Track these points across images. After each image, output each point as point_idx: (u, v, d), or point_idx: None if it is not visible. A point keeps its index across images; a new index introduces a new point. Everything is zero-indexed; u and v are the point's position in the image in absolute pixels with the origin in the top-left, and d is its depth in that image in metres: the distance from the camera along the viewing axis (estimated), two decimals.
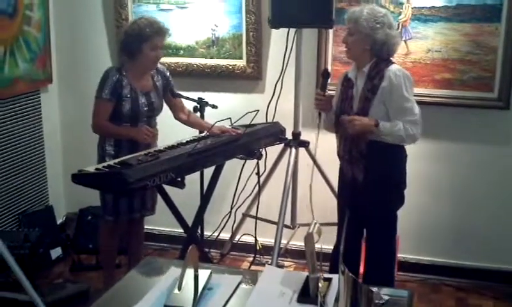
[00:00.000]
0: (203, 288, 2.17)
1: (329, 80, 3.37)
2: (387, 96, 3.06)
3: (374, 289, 2.11)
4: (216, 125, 3.46)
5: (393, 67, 3.10)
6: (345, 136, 3.21)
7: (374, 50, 3.10)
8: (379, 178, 3.15)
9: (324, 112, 3.37)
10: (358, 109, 3.13)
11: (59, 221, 4.53)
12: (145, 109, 3.46)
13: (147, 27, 3.38)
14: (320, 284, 1.88)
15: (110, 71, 3.44)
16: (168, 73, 3.67)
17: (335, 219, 3.44)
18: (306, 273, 2.18)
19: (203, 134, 3.63)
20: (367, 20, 3.07)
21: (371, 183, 3.16)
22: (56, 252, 4.25)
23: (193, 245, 2.22)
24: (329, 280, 2.19)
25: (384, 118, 3.07)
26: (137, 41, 3.38)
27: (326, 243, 3.17)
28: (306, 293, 2.12)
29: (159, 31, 3.43)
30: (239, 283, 2.26)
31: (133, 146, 3.43)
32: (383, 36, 3.07)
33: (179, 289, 2.12)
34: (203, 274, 2.24)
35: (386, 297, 2.12)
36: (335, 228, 3.43)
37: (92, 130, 3.49)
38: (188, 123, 3.75)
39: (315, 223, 2.08)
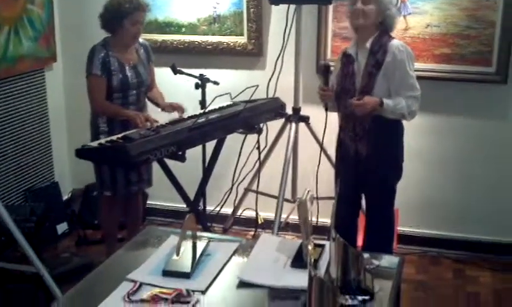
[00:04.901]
0: (201, 254, 2.25)
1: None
2: (391, 71, 3.10)
3: (366, 255, 2.18)
4: (167, 101, 3.66)
5: (395, 42, 3.14)
6: (347, 113, 3.25)
7: (384, 25, 3.15)
8: (382, 152, 3.21)
9: (329, 102, 3.39)
10: (361, 86, 3.16)
11: (65, 197, 4.61)
12: (134, 81, 3.53)
13: (127, 2, 3.42)
14: (310, 247, 1.95)
15: (95, 48, 3.49)
16: (150, 48, 3.72)
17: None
18: (300, 241, 2.25)
19: (204, 110, 3.68)
20: None
21: (374, 158, 3.21)
22: (62, 228, 4.34)
23: (191, 213, 2.28)
24: (322, 247, 2.26)
25: (386, 93, 3.11)
26: (118, 17, 3.43)
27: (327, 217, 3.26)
28: (300, 259, 2.19)
29: (139, 6, 3.46)
30: (236, 250, 2.34)
31: (125, 123, 3.47)
32: (394, 13, 3.17)
33: (177, 255, 2.19)
34: (202, 241, 2.31)
35: (377, 262, 2.19)
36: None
37: (91, 109, 3.55)
38: (149, 97, 3.75)
39: (308, 191, 2.13)
